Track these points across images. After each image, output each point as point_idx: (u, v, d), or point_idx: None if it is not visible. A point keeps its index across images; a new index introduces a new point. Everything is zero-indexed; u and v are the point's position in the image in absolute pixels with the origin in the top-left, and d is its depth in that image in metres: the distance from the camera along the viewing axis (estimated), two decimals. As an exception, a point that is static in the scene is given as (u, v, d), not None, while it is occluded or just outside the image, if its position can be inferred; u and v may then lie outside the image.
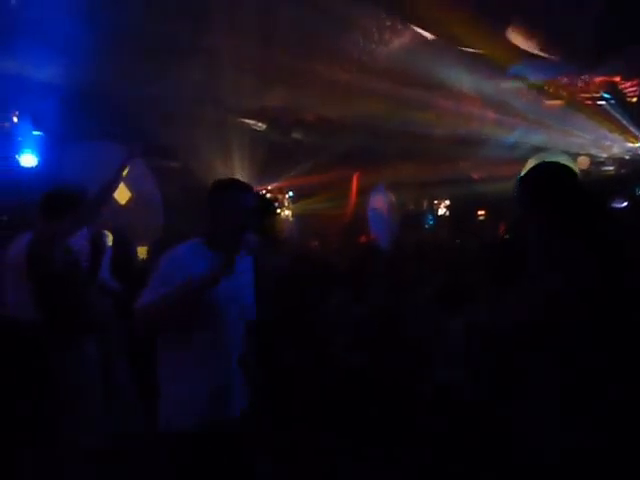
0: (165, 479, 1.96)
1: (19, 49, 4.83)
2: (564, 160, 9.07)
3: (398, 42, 6.75)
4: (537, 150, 9.27)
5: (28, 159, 5.35)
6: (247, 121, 7.93)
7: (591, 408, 1.61)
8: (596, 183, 9.34)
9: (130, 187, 7.01)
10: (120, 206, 7.02)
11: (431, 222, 10.36)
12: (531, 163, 9.03)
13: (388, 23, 6.40)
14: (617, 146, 10.06)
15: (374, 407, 3.26)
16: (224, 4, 5.72)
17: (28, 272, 2.67)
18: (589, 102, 8.28)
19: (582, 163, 9.77)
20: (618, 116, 8.62)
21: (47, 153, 5.43)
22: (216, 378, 1.88)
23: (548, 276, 1.76)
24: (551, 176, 1.86)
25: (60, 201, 2.88)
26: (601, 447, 1.59)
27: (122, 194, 7.14)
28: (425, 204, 11.04)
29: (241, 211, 1.93)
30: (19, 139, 5.33)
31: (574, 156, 9.56)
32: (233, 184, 2.05)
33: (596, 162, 10.35)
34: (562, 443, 1.64)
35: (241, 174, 8.28)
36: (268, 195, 8.50)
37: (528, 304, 1.77)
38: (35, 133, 5.46)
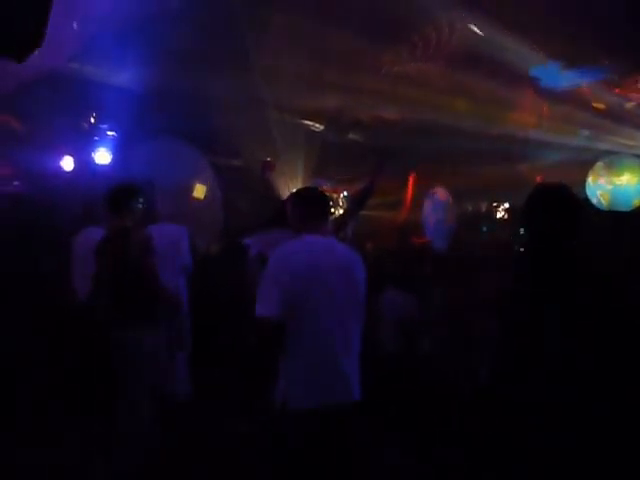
0: (282, 456, 2.10)
1: (98, 56, 5.24)
2: (634, 163, 8.61)
3: (459, 39, 6.67)
4: (605, 153, 8.84)
5: (103, 157, 5.81)
6: (305, 122, 8.11)
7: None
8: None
9: (192, 184, 7.42)
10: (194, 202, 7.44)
11: (488, 226, 10.15)
12: (599, 167, 8.65)
13: (449, 21, 6.34)
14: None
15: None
16: (285, 11, 5.90)
17: (101, 263, 2.93)
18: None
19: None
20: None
21: (120, 151, 5.86)
22: (331, 364, 2.04)
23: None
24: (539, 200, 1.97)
25: (129, 196, 3.13)
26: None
27: (199, 191, 7.57)
28: (484, 207, 10.80)
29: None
30: (95, 138, 5.78)
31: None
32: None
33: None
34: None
35: (298, 173, 8.50)
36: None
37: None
38: (110, 133, 5.91)
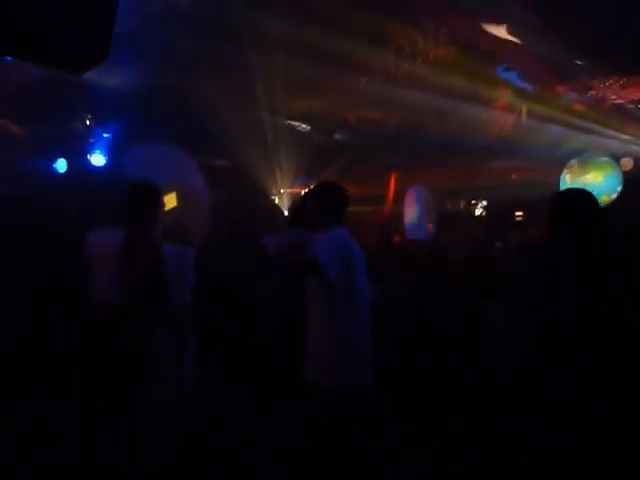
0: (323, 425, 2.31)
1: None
2: (606, 161, 9.06)
3: (438, 50, 6.97)
4: (578, 152, 9.26)
5: (98, 159, 5.89)
6: (292, 123, 8.30)
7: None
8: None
9: (182, 186, 7.51)
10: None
11: (469, 222, 10.47)
12: (573, 164, 9.07)
13: (430, 32, 6.62)
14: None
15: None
16: (273, 17, 6.09)
17: (122, 265, 3.03)
18: (632, 105, 8.25)
19: (625, 165, 9.62)
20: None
21: (114, 153, 5.96)
22: (361, 346, 2.27)
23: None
24: (575, 202, 2.27)
25: (150, 201, 3.19)
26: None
27: (170, 201, 7.68)
28: (462, 204, 11.15)
29: None
30: (90, 140, 5.86)
31: (617, 158, 9.45)
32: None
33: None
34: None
35: (284, 173, 8.69)
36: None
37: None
38: (105, 135, 5.99)
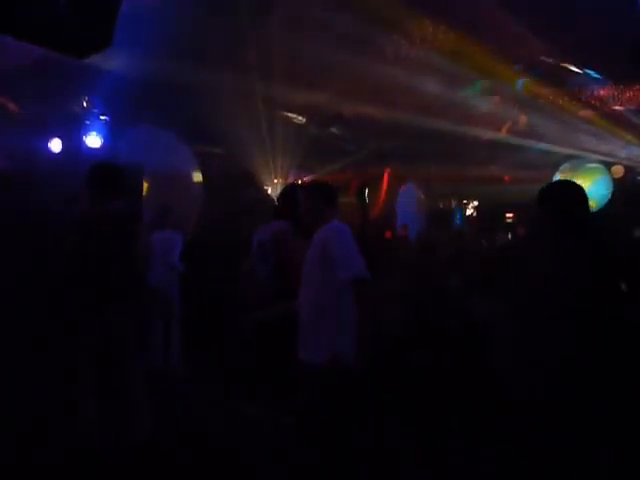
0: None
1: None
2: (597, 167, 9.20)
3: (435, 46, 7.03)
4: (570, 157, 9.41)
5: (93, 140, 5.91)
6: (289, 114, 8.34)
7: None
8: (630, 192, 9.39)
9: (174, 171, 7.54)
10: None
11: (459, 222, 10.61)
12: (565, 168, 9.20)
13: (427, 26, 6.68)
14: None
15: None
16: (273, 8, 6.13)
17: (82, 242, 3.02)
18: (622, 113, 8.39)
19: (616, 172, 9.75)
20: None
21: (110, 135, 5.98)
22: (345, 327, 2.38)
23: (550, 260, 2.24)
24: (564, 191, 2.35)
25: (117, 177, 3.09)
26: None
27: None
28: (454, 203, 11.28)
29: None
30: (87, 122, 5.87)
31: (608, 165, 9.59)
32: None
33: (631, 171, 10.32)
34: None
35: (279, 164, 8.74)
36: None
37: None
38: (101, 117, 6.00)
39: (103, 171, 3.11)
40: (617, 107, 8.21)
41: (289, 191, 3.26)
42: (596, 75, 7.10)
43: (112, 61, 5.61)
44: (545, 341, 2.22)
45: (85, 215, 3.08)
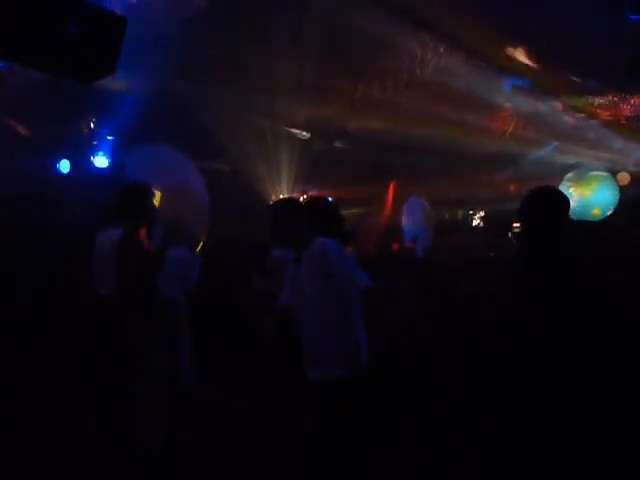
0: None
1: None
2: (603, 176, 9.19)
3: (439, 62, 7.09)
4: (575, 166, 9.40)
5: (101, 161, 6.00)
6: (292, 130, 8.41)
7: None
8: (636, 199, 9.35)
9: (181, 187, 7.60)
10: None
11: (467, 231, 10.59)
12: (570, 177, 9.19)
13: (430, 44, 6.75)
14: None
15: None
16: (275, 25, 6.22)
17: (118, 262, 3.17)
18: (625, 122, 8.39)
19: (622, 179, 9.73)
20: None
21: (117, 155, 6.06)
22: (353, 341, 2.39)
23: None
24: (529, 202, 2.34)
25: (138, 203, 3.35)
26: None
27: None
28: (460, 214, 11.26)
29: None
30: (94, 142, 5.97)
31: (614, 173, 9.57)
32: None
33: (637, 179, 10.28)
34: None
35: (284, 180, 8.80)
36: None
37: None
38: (109, 138, 6.10)
39: (135, 196, 3.34)
40: (620, 115, 8.21)
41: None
42: (595, 84, 7.13)
43: (118, 81, 5.71)
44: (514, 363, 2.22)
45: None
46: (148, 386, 3.15)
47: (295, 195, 8.68)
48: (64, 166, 5.89)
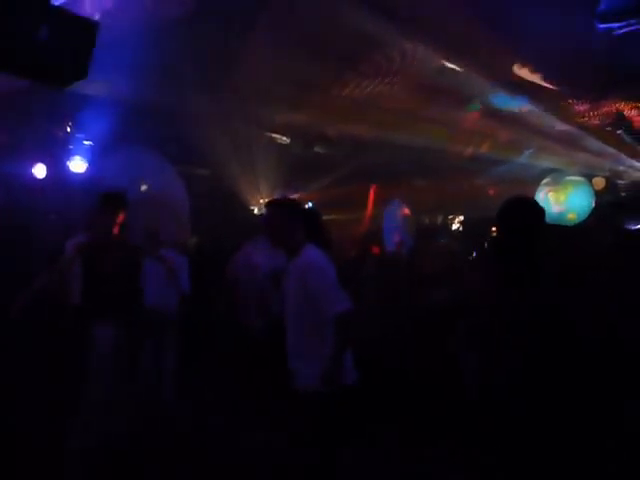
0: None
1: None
2: (579, 181, 9.38)
3: (418, 64, 7.16)
4: (551, 171, 9.58)
5: (77, 165, 5.91)
6: (273, 135, 8.41)
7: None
8: (611, 204, 9.55)
9: (161, 192, 7.55)
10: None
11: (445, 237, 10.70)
12: (547, 182, 9.36)
13: (410, 45, 6.80)
14: (631, 170, 10.26)
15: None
16: (254, 27, 6.20)
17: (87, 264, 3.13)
18: (599, 128, 8.58)
19: (597, 184, 9.92)
20: (630, 142, 8.88)
21: (94, 160, 5.98)
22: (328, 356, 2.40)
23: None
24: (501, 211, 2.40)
25: (119, 201, 3.33)
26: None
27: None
28: (440, 219, 11.38)
29: None
30: (70, 147, 5.87)
31: (589, 177, 9.76)
32: None
33: (612, 184, 10.50)
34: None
35: (265, 184, 8.79)
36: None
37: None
38: (85, 142, 6.01)
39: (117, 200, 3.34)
40: (595, 121, 8.40)
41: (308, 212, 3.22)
42: (569, 91, 7.28)
43: (95, 85, 5.63)
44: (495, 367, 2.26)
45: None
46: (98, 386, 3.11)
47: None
48: (40, 171, 5.79)
